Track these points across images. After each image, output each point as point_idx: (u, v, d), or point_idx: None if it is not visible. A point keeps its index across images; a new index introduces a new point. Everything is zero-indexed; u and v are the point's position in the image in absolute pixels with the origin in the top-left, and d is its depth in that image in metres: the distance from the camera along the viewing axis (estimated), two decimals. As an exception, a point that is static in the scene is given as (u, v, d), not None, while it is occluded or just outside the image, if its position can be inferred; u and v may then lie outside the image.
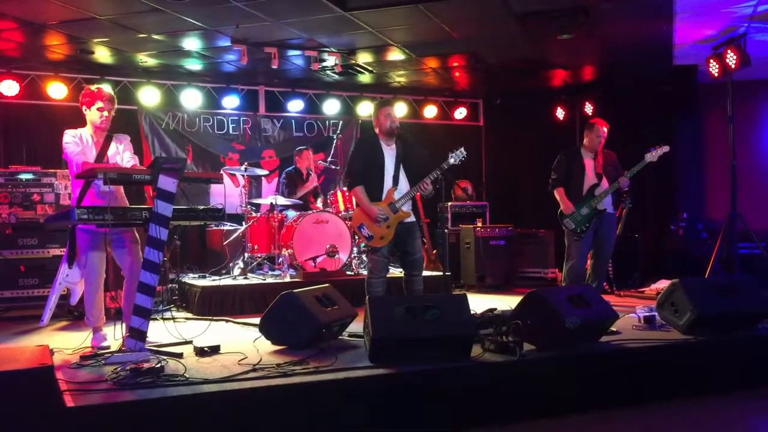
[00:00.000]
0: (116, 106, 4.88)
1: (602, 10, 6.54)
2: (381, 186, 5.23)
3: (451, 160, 5.27)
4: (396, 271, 6.77)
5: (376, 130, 5.34)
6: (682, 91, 9.11)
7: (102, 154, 4.77)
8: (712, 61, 7.62)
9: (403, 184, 5.28)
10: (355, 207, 5.36)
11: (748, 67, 7.25)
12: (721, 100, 7.83)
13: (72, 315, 6.31)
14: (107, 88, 4.83)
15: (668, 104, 9.21)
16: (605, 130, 6.36)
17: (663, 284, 7.17)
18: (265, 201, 7.93)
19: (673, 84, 9.00)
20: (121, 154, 4.85)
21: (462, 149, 5.33)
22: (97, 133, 4.80)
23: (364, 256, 7.59)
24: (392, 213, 5.20)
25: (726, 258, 7.44)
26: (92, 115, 4.76)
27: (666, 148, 6.16)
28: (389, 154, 5.29)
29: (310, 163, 8.40)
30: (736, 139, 7.68)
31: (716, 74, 7.60)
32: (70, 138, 4.71)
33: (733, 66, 7.25)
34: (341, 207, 7.75)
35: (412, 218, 5.32)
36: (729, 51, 7.26)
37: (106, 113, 4.75)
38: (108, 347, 4.60)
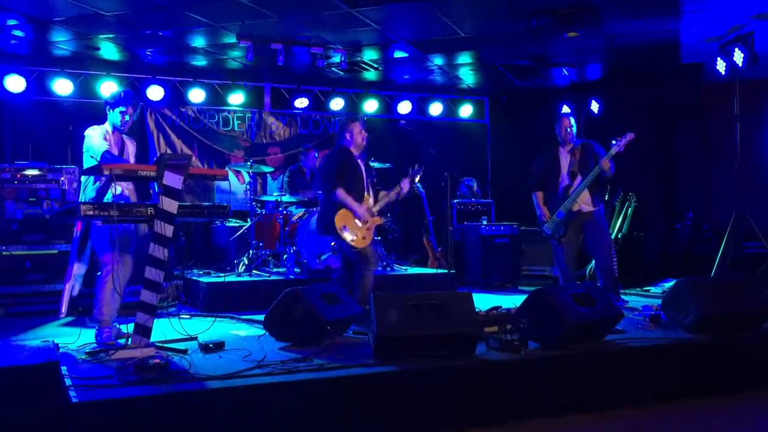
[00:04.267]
0: (138, 109, 5.11)
1: (609, 8, 6.51)
2: (361, 194, 5.62)
3: (410, 177, 5.81)
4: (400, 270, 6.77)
5: (345, 143, 5.67)
6: (689, 90, 9.09)
7: (121, 152, 4.96)
8: (719, 59, 7.59)
9: (371, 192, 5.78)
10: (337, 210, 5.57)
11: (756, 66, 7.21)
12: (728, 99, 7.80)
13: (77, 311, 6.32)
14: (133, 94, 5.07)
15: (675, 102, 9.18)
16: (567, 122, 6.20)
17: (668, 283, 7.16)
18: (271, 198, 7.94)
19: (679, 82, 8.98)
20: (133, 157, 5.08)
21: (417, 165, 5.91)
22: (115, 132, 4.98)
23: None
24: (370, 216, 5.63)
25: (732, 257, 7.41)
26: (114, 116, 4.93)
27: (631, 136, 5.95)
28: (361, 164, 5.70)
29: (314, 164, 8.41)
30: (742, 138, 7.65)
31: (723, 72, 7.57)
32: (97, 132, 4.88)
33: (740, 64, 7.22)
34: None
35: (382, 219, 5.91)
36: (737, 49, 7.23)
37: (128, 117, 4.93)
38: (114, 343, 4.60)
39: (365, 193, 5.67)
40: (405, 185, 5.78)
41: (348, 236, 5.49)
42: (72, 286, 5.78)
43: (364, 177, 5.69)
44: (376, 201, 5.78)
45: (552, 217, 6.06)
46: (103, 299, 4.79)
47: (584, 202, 6.07)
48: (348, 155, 5.64)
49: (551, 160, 6.22)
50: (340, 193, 5.50)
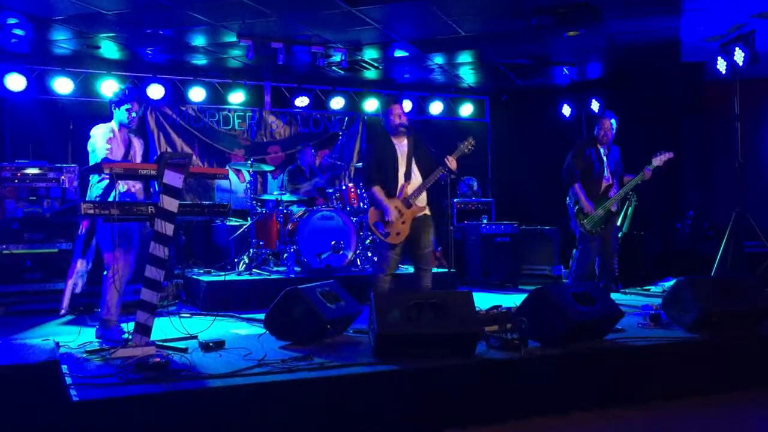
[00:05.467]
0: (143, 106, 5.14)
1: (609, 7, 6.51)
2: (395, 183, 5.28)
3: (463, 149, 5.30)
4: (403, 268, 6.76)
5: (386, 128, 5.39)
6: (690, 89, 9.09)
7: (128, 150, 4.98)
8: (719, 58, 7.59)
9: (416, 179, 5.32)
10: (370, 205, 5.41)
11: (756, 65, 7.21)
12: (729, 98, 7.80)
13: (78, 309, 6.32)
14: (137, 90, 5.17)
15: (675, 101, 9.18)
16: (608, 123, 6.27)
17: (669, 282, 7.16)
18: (271, 197, 7.94)
19: (680, 81, 8.98)
20: (140, 157, 5.10)
21: (471, 138, 5.33)
22: (123, 130, 4.99)
23: (369, 253, 7.60)
24: (406, 208, 5.24)
25: (732, 257, 7.41)
26: (120, 114, 4.94)
27: (670, 155, 6.10)
28: (400, 150, 5.34)
29: (312, 161, 8.43)
30: (742, 136, 7.65)
31: (724, 71, 7.57)
32: (101, 132, 4.89)
33: (741, 63, 7.22)
34: (347, 203, 7.74)
35: (426, 211, 5.37)
36: (737, 48, 7.23)
37: (134, 113, 4.94)
38: (116, 341, 4.61)
39: (403, 181, 5.26)
40: (452, 163, 5.16)
41: (381, 232, 5.25)
42: (75, 284, 5.79)
43: (401, 164, 5.29)
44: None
45: (594, 213, 6.09)
46: (109, 298, 4.80)
47: (615, 204, 6.22)
48: (385, 142, 5.34)
49: (590, 157, 6.25)
50: (374, 191, 5.26)
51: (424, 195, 5.33)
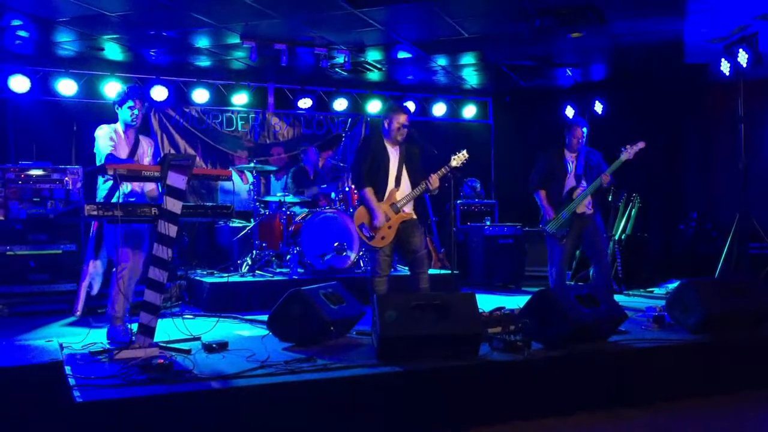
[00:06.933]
0: (146, 104, 5.14)
1: (613, 8, 6.51)
2: (384, 186, 5.29)
3: (453, 163, 5.33)
4: (405, 270, 6.76)
5: (383, 131, 5.39)
6: (693, 90, 9.09)
7: (134, 151, 4.98)
8: (723, 59, 7.58)
9: (405, 186, 5.34)
10: (357, 205, 5.39)
11: (760, 67, 7.20)
12: (732, 99, 7.79)
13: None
14: (139, 88, 5.15)
15: (678, 103, 9.18)
16: (582, 131, 6.24)
17: (672, 284, 7.15)
18: (274, 198, 7.94)
19: (683, 82, 8.97)
20: (149, 156, 5.09)
21: (464, 152, 5.37)
22: (128, 130, 4.99)
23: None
24: (393, 213, 5.26)
25: (736, 258, 7.40)
26: (124, 113, 4.95)
27: (641, 145, 5.99)
28: (393, 154, 5.34)
29: (315, 161, 8.44)
30: (746, 138, 7.64)
31: (727, 73, 7.56)
32: (104, 132, 4.91)
33: (744, 65, 7.21)
34: (350, 204, 7.74)
35: (413, 215, 5.37)
36: (741, 50, 7.22)
37: (136, 111, 4.94)
38: (120, 342, 4.61)
39: (392, 186, 5.27)
40: (433, 181, 5.24)
41: (365, 235, 5.26)
42: (90, 286, 5.80)
43: (393, 168, 5.29)
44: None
45: (557, 216, 6.12)
46: (113, 297, 4.83)
47: (586, 205, 6.14)
48: (373, 145, 5.32)
49: (557, 161, 6.28)
50: (365, 193, 5.25)
51: (411, 203, 5.34)
